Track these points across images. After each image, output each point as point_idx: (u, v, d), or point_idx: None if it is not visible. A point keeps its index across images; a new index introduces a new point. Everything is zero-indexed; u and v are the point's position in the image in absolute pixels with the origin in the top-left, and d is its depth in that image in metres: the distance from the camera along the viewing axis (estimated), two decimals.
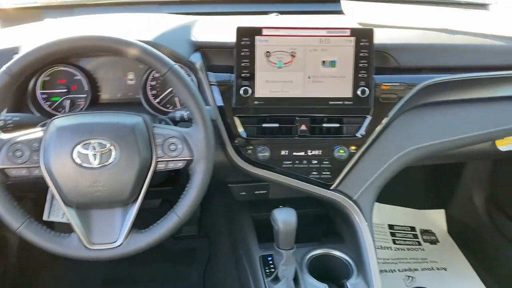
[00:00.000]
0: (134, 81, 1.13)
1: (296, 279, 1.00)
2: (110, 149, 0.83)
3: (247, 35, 1.02)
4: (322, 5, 1.51)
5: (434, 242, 1.88)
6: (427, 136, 1.14)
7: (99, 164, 0.82)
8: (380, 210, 1.97)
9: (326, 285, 1.01)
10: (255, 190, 1.22)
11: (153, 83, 1.12)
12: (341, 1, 1.44)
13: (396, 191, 1.94)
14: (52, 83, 1.09)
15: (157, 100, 1.13)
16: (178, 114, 0.97)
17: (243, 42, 1.02)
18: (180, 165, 0.88)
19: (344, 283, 1.03)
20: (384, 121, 1.09)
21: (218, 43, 1.07)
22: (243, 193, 1.22)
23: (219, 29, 1.14)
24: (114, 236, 0.87)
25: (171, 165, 0.88)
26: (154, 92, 1.12)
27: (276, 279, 0.99)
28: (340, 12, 1.41)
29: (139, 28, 1.11)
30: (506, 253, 1.64)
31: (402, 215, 1.98)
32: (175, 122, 0.97)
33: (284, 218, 0.98)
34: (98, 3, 1.45)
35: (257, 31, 1.02)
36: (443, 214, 1.96)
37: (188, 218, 0.89)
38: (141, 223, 0.90)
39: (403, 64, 1.12)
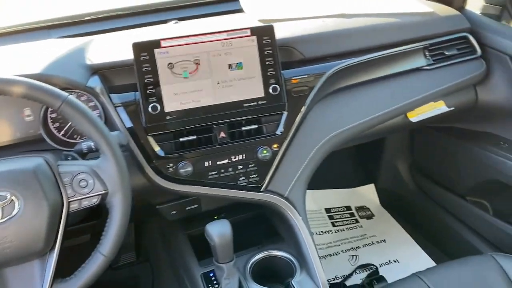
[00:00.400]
0: (33, 117, 1.03)
1: None
2: (12, 200, 0.74)
3: (145, 49, 0.97)
4: (221, 6, 1.49)
5: (370, 217, 1.95)
6: (344, 121, 1.16)
7: (2, 218, 0.74)
8: (315, 197, 2.00)
9: None
10: (186, 207, 1.18)
11: (54, 115, 1.03)
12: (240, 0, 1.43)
13: (327, 175, 1.99)
14: None
15: (62, 132, 1.04)
16: (84, 145, 0.89)
17: (142, 58, 0.97)
18: (95, 201, 0.81)
19: (289, 282, 1.02)
20: (300, 114, 1.09)
21: (116, 63, 1.01)
22: (174, 212, 1.17)
23: (116, 47, 1.08)
24: None
25: (86, 203, 0.81)
26: (56, 124, 1.03)
27: None
28: (240, 10, 1.40)
29: (24, 60, 1.02)
30: (435, 214, 1.73)
31: (336, 197, 2.03)
32: (83, 155, 0.90)
33: (219, 232, 0.94)
34: None
35: (155, 44, 0.98)
36: (373, 188, 2.04)
37: (115, 254, 0.82)
38: (70, 266, 0.83)
39: (308, 55, 1.13)
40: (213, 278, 1.04)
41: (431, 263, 1.65)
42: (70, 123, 1.03)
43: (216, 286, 1.01)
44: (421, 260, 1.68)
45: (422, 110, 1.29)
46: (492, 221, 1.50)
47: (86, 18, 1.37)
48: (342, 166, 2.08)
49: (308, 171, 1.13)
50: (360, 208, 2.00)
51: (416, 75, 1.26)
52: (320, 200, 2.00)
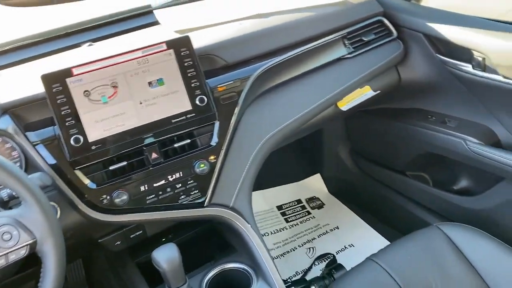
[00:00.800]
0: None
1: None
2: None
3: (56, 80, 0.90)
4: (136, 21, 1.43)
5: (320, 206, 1.98)
6: (277, 121, 1.16)
7: None
8: (265, 196, 2.00)
9: None
10: (130, 235, 1.13)
11: None
12: (153, 12, 1.38)
13: (274, 173, 2.00)
14: None
15: None
16: (4, 193, 0.83)
17: (54, 90, 0.90)
18: (23, 253, 0.75)
19: None
20: (233, 121, 1.07)
21: (27, 99, 0.93)
22: (118, 243, 1.11)
23: (26, 81, 1.00)
24: None
25: (13, 257, 0.74)
26: None
27: None
28: (156, 23, 1.35)
29: None
30: (381, 193, 1.78)
31: (286, 193, 2.04)
32: (4, 204, 0.83)
33: (166, 257, 0.90)
34: None
35: (66, 73, 0.91)
36: (320, 178, 2.07)
37: None
38: None
39: (231, 60, 1.11)
40: None
41: (384, 242, 1.70)
42: None
43: None
44: (374, 240, 1.73)
45: (350, 98, 1.31)
46: (433, 192, 1.56)
47: None
48: (287, 161, 2.10)
49: (250, 176, 1.11)
50: (310, 200, 2.02)
51: (339, 65, 1.28)
52: (270, 198, 2.00)
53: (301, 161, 2.13)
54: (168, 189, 1.01)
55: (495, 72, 1.19)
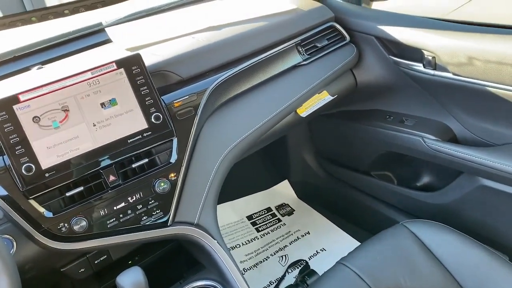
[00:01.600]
0: None
1: None
2: None
3: (2, 108, 0.87)
4: (88, 40, 1.40)
5: (290, 212, 1.98)
6: (237, 133, 1.15)
7: None
8: (234, 207, 1.99)
9: None
10: (95, 261, 1.09)
11: None
12: (105, 29, 1.35)
13: (241, 183, 1.99)
14: None
15: None
16: None
17: (1, 118, 0.87)
18: None
19: None
20: (191, 136, 1.06)
21: None
22: (82, 270, 1.08)
23: None
24: None
25: None
26: None
27: None
28: (108, 41, 1.33)
29: None
30: (348, 195, 1.80)
31: (255, 202, 2.03)
32: None
33: (131, 282, 0.88)
34: None
35: (13, 100, 0.88)
36: (287, 184, 2.08)
37: None
38: None
39: (186, 75, 1.10)
40: None
41: (355, 243, 1.72)
42: None
43: None
44: (345, 243, 1.74)
45: (309, 104, 1.32)
46: (398, 190, 1.59)
47: None
48: (253, 170, 2.09)
49: (213, 191, 1.10)
50: (280, 207, 2.02)
51: (295, 72, 1.29)
52: (240, 209, 1.99)
53: (268, 168, 2.13)
54: (129, 211, 0.98)
55: (446, 70, 1.23)
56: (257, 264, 1.72)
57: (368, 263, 1.15)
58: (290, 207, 2.01)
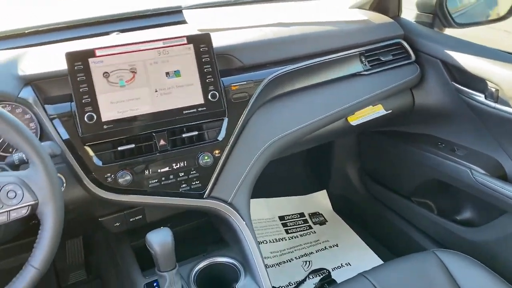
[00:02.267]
0: None
1: None
2: None
3: (79, 59, 0.96)
4: (165, 18, 1.49)
5: (323, 222, 1.98)
6: (284, 126, 1.18)
7: None
8: (269, 205, 2.02)
9: None
10: (130, 218, 1.16)
11: None
12: (183, 11, 1.44)
13: (280, 183, 2.02)
14: None
15: None
16: (16, 157, 0.87)
17: (76, 67, 0.96)
18: (24, 212, 0.79)
19: (233, 287, 1.02)
20: (241, 120, 1.10)
21: (50, 73, 0.99)
22: (117, 224, 1.15)
23: (52, 58, 1.06)
24: None
25: (14, 215, 0.79)
26: None
27: None
28: (183, 22, 1.41)
29: None
30: (384, 216, 1.78)
31: (290, 204, 2.05)
32: (15, 167, 0.87)
33: (159, 240, 0.93)
34: None
35: (90, 53, 0.97)
36: (325, 194, 2.08)
37: (47, 267, 0.80)
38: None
39: (247, 62, 1.15)
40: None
41: (380, 263, 1.69)
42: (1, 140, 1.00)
43: None
44: (372, 261, 1.72)
45: (361, 114, 1.33)
46: (436, 220, 1.56)
47: (26, 31, 1.35)
48: (295, 174, 2.12)
49: (251, 177, 1.14)
50: (313, 215, 2.02)
51: (354, 80, 1.31)
52: (273, 208, 2.01)
53: (308, 175, 2.14)
54: (171, 176, 1.04)
55: (507, 105, 1.20)
56: (280, 263, 1.73)
57: (389, 280, 1.14)
58: (324, 217, 2.01)
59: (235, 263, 1.09)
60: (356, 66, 1.32)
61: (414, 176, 1.60)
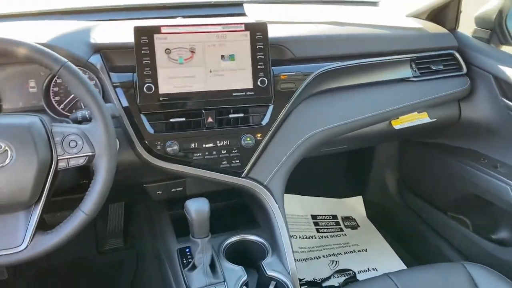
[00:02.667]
0: (36, 89, 1.11)
1: (213, 265, 1.02)
2: (6, 150, 0.81)
3: (145, 33, 1.05)
4: (226, 9, 1.58)
5: (355, 227, 1.99)
6: (326, 120, 1.22)
7: None
8: (303, 203, 2.05)
9: (242, 267, 1.04)
10: (172, 188, 1.24)
11: (56, 89, 1.11)
12: (244, 5, 1.52)
13: (317, 183, 2.05)
14: None
15: (61, 106, 1.12)
16: (79, 114, 0.97)
17: (142, 41, 1.05)
18: (82, 161, 0.88)
19: (260, 264, 1.07)
20: (286, 108, 1.16)
21: (118, 44, 1.09)
22: (160, 192, 1.23)
23: (121, 32, 1.16)
24: (18, 240, 0.85)
25: (73, 162, 0.88)
26: (57, 98, 1.11)
27: (193, 268, 1.01)
28: (243, 14, 1.49)
29: (34, 32, 1.10)
30: (418, 228, 1.77)
31: (324, 205, 2.07)
32: (78, 123, 0.97)
33: (197, 207, 1.00)
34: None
35: (156, 29, 1.06)
36: (361, 200, 2.09)
37: (95, 214, 0.89)
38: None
39: (298, 55, 1.20)
40: (188, 254, 1.09)
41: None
42: (70, 97, 1.11)
43: (190, 260, 1.06)
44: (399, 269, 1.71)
45: (405, 119, 1.35)
46: (470, 236, 1.54)
47: (101, 8, 1.47)
48: (333, 176, 2.14)
49: (289, 164, 1.19)
50: (346, 218, 2.04)
51: (401, 85, 1.33)
52: (307, 206, 2.05)
53: (347, 179, 2.16)
54: (214, 152, 1.11)
55: None
56: (307, 259, 1.76)
57: (413, 284, 1.15)
58: (356, 222, 2.02)
59: (264, 242, 1.14)
60: (405, 72, 1.33)
61: (453, 190, 1.59)
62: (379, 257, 1.80)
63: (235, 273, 1.03)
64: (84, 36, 1.09)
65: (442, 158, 1.60)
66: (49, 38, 1.01)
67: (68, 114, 1.11)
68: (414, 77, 1.34)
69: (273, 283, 1.03)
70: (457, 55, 1.40)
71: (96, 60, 1.06)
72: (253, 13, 1.43)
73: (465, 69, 1.40)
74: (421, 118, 1.36)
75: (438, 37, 1.40)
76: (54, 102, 1.11)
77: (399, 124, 1.35)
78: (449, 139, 1.57)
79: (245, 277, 1.02)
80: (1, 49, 0.83)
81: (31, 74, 1.09)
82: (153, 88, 1.05)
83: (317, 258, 1.78)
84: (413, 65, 1.34)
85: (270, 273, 1.04)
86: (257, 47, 1.11)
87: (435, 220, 1.70)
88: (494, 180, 1.35)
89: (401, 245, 1.87)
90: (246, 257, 1.14)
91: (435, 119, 1.38)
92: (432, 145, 1.64)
